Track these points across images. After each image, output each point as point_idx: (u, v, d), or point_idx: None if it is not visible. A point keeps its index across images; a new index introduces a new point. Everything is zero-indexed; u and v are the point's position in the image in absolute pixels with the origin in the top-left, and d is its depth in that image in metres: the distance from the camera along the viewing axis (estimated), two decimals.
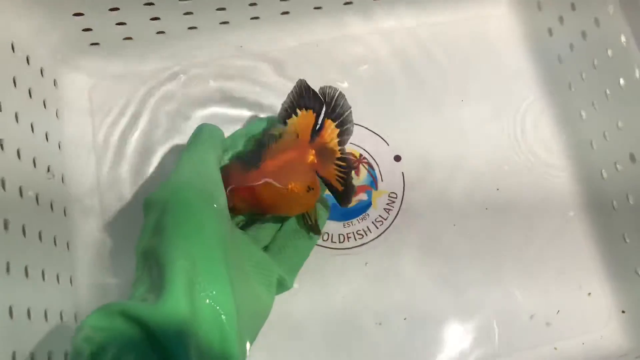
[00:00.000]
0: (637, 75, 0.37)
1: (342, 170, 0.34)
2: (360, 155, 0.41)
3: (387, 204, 0.40)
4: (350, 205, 0.39)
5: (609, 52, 0.38)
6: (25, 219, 0.31)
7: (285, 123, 0.35)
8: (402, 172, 0.41)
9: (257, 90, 0.42)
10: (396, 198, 0.40)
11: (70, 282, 0.36)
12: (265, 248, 0.35)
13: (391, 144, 0.42)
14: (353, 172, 0.40)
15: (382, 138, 0.42)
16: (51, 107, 0.39)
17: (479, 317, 0.38)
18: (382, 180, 0.41)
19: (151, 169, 0.40)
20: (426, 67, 0.44)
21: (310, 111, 0.35)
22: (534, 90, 0.44)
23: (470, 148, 0.42)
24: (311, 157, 0.34)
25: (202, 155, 0.32)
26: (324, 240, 0.39)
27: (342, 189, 0.34)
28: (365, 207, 0.40)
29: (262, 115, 0.41)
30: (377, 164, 0.41)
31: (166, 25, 0.41)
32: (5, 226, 0.29)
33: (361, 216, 0.39)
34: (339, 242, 0.39)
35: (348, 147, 0.41)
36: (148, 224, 0.30)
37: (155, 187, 0.31)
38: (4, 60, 0.33)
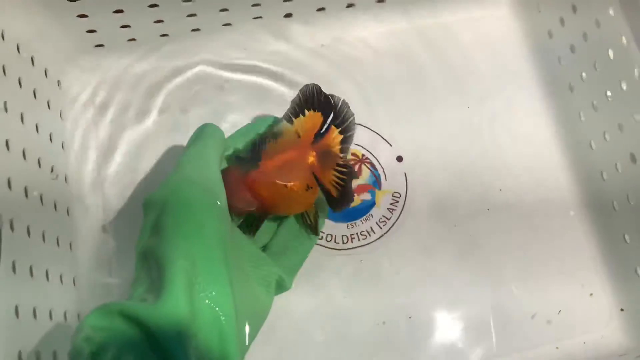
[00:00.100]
0: (637, 76, 0.37)
1: (340, 177, 0.35)
2: (363, 155, 0.41)
3: (391, 203, 0.40)
4: (353, 205, 0.39)
5: (610, 54, 0.39)
6: (30, 219, 0.32)
7: (290, 120, 0.35)
8: (405, 173, 0.41)
9: (259, 91, 0.42)
10: (399, 198, 0.40)
11: (74, 282, 0.36)
12: (264, 248, 0.35)
13: (394, 145, 0.42)
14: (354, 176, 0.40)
15: (384, 139, 0.42)
16: (55, 107, 0.39)
17: (480, 317, 0.38)
18: (385, 180, 0.41)
19: (154, 169, 0.40)
20: (428, 68, 0.45)
21: (319, 113, 0.35)
22: (535, 91, 0.45)
23: (472, 148, 0.42)
24: (311, 158, 0.34)
25: (203, 155, 0.32)
26: (327, 241, 0.39)
27: (336, 195, 0.35)
28: (369, 207, 0.40)
29: (262, 116, 0.41)
30: (380, 164, 0.41)
31: (170, 27, 0.41)
32: (11, 226, 0.29)
33: (365, 216, 0.40)
34: (343, 242, 0.39)
35: (352, 148, 0.41)
36: (148, 224, 0.30)
37: (157, 187, 0.31)
38: (10, 61, 0.33)
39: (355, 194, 0.40)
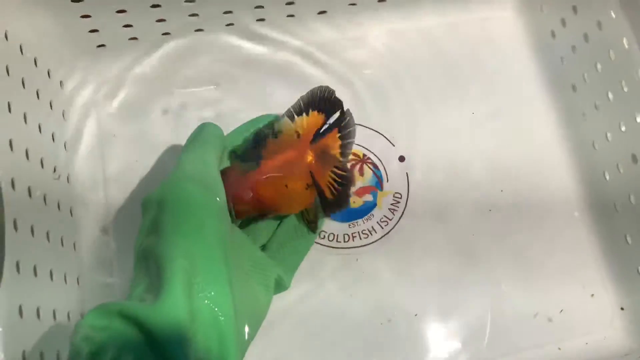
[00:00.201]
0: (639, 77, 0.37)
1: (336, 180, 0.35)
2: (365, 155, 0.41)
3: (392, 204, 0.40)
4: (355, 205, 0.39)
5: (611, 54, 0.39)
6: (34, 219, 0.32)
7: (292, 117, 0.35)
8: (407, 173, 0.41)
9: (261, 92, 0.43)
10: (401, 198, 0.40)
11: (77, 282, 0.36)
12: (263, 247, 0.35)
13: (396, 145, 0.42)
14: (358, 174, 0.41)
15: (386, 139, 0.42)
16: (57, 108, 0.39)
17: (482, 317, 0.38)
18: (387, 181, 0.41)
19: (157, 168, 0.40)
20: (431, 68, 0.45)
21: (322, 115, 0.35)
22: (537, 92, 0.45)
23: (475, 149, 0.42)
24: (310, 157, 0.34)
25: (202, 154, 0.32)
26: (329, 241, 0.39)
27: (329, 196, 0.35)
28: (370, 207, 0.40)
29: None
30: (382, 165, 0.41)
31: (172, 27, 0.41)
32: (15, 226, 0.29)
33: (366, 216, 0.40)
34: (344, 242, 0.39)
35: (354, 148, 0.41)
36: (147, 223, 0.30)
37: (156, 187, 0.31)
38: (13, 61, 0.33)
39: (357, 195, 0.40)
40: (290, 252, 0.35)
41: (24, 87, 0.34)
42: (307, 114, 0.35)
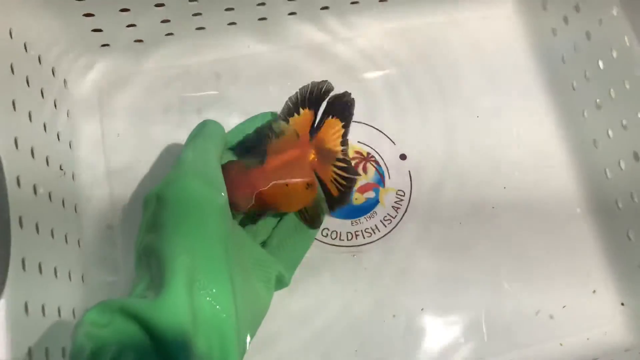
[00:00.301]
0: None
1: (340, 173, 0.35)
2: (368, 153, 0.42)
3: (395, 202, 0.40)
4: (357, 203, 0.40)
5: (613, 53, 0.39)
6: (39, 216, 0.32)
7: (286, 119, 0.36)
8: (409, 171, 0.41)
9: (263, 90, 0.43)
10: (403, 196, 0.41)
11: (82, 279, 0.36)
12: (263, 244, 0.35)
13: (398, 143, 0.42)
14: (361, 171, 0.41)
15: (388, 137, 0.42)
16: (62, 106, 0.39)
17: (485, 314, 0.38)
18: (389, 179, 0.41)
19: (160, 166, 0.40)
20: (431, 67, 0.45)
21: (312, 111, 0.35)
22: (539, 90, 0.45)
23: (476, 147, 0.43)
24: (312, 155, 0.35)
25: (204, 150, 0.32)
26: (332, 239, 0.39)
27: (337, 194, 0.35)
28: (373, 205, 0.40)
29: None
30: (385, 163, 0.41)
31: (175, 27, 0.41)
32: (21, 223, 0.29)
33: (369, 214, 0.40)
34: (347, 239, 0.39)
35: (357, 147, 0.41)
36: (147, 220, 0.30)
37: (158, 184, 0.31)
38: (18, 60, 0.33)
39: (358, 192, 0.40)
40: (291, 249, 0.35)
41: (28, 86, 0.34)
42: (298, 114, 0.35)
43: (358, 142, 0.42)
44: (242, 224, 0.34)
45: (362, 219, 0.40)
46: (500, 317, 0.38)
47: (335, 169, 0.35)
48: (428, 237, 0.40)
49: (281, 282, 0.34)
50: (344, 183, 0.35)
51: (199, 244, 0.28)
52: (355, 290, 0.38)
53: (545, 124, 0.44)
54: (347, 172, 0.36)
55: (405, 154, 0.42)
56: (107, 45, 0.41)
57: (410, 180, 0.41)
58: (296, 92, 0.36)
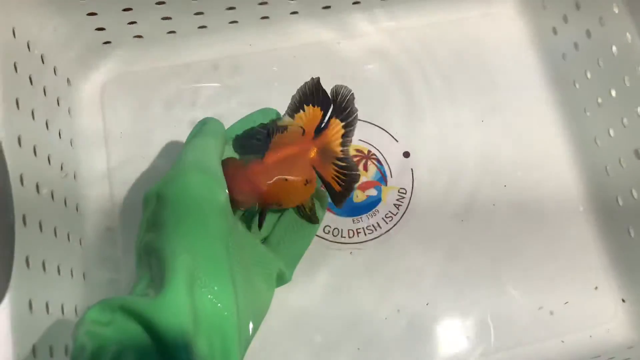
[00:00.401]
0: None
1: (341, 172, 0.35)
2: (369, 151, 0.42)
3: (397, 199, 0.40)
4: (359, 200, 0.40)
5: (614, 50, 0.39)
6: (42, 214, 0.32)
7: (292, 116, 0.36)
8: (411, 169, 0.41)
9: (264, 88, 0.43)
10: (405, 194, 0.41)
11: (84, 277, 0.36)
12: (264, 241, 0.35)
13: (400, 141, 0.42)
14: (362, 170, 0.41)
15: (391, 135, 0.42)
16: (64, 105, 0.39)
17: (487, 311, 0.38)
18: (391, 177, 0.41)
19: (162, 165, 0.40)
20: (433, 65, 0.45)
21: (318, 109, 0.35)
22: (540, 88, 0.45)
23: (477, 144, 0.43)
24: (313, 153, 0.35)
25: (204, 148, 0.32)
26: (334, 236, 0.39)
27: (339, 189, 0.35)
28: (374, 202, 0.40)
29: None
30: (387, 161, 0.42)
31: (177, 25, 0.41)
32: (24, 222, 0.30)
33: (371, 212, 0.40)
34: (349, 237, 0.39)
35: (358, 145, 0.41)
36: (148, 219, 0.29)
37: (157, 181, 0.31)
38: (21, 59, 0.33)
39: (360, 190, 0.41)
40: (292, 246, 0.35)
41: (31, 84, 0.34)
42: (304, 110, 0.35)
43: (360, 140, 0.42)
44: (247, 226, 0.34)
45: (363, 216, 0.40)
46: (502, 315, 0.38)
47: (335, 167, 0.35)
48: (430, 235, 0.40)
49: (282, 279, 0.34)
50: (345, 179, 0.35)
51: (199, 242, 0.27)
52: (356, 287, 0.38)
53: (547, 122, 0.44)
54: (348, 171, 0.35)
55: (408, 151, 0.42)
56: (110, 43, 0.41)
57: (412, 178, 0.41)
58: (298, 90, 0.36)
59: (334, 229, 0.39)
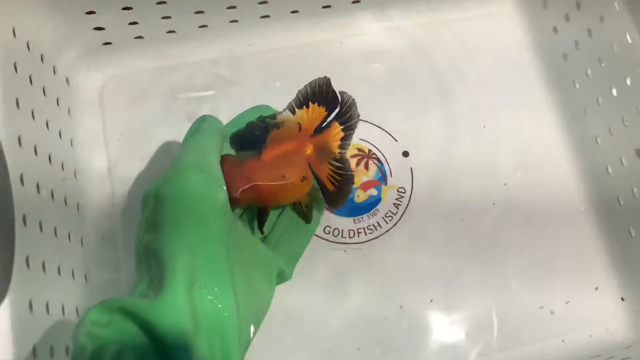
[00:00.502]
0: None
1: (336, 171, 0.35)
2: (369, 150, 0.42)
3: (397, 199, 0.40)
4: (359, 200, 0.40)
5: (615, 49, 0.39)
6: (42, 214, 0.32)
7: (294, 111, 0.35)
8: (411, 168, 0.41)
9: (264, 88, 0.43)
10: (404, 193, 0.41)
11: (85, 277, 0.36)
12: (263, 239, 0.35)
13: (399, 140, 0.42)
14: (363, 169, 0.41)
15: (390, 134, 0.42)
16: (64, 105, 0.39)
17: (487, 310, 0.38)
18: (391, 176, 0.41)
19: (163, 165, 0.40)
20: (432, 65, 0.45)
21: (323, 109, 0.35)
22: (540, 87, 0.45)
23: (478, 143, 0.43)
24: (309, 150, 0.35)
25: (202, 146, 0.32)
26: (334, 236, 0.39)
27: (332, 189, 0.35)
28: (375, 202, 0.40)
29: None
30: (386, 160, 0.42)
31: (177, 24, 0.41)
32: (24, 221, 0.30)
33: (371, 212, 0.40)
34: (349, 237, 0.39)
35: (359, 143, 0.41)
36: (147, 219, 0.29)
37: (156, 181, 0.30)
38: (21, 58, 0.33)
39: (361, 189, 0.41)
40: (291, 244, 0.35)
41: (31, 84, 0.34)
42: (308, 107, 0.35)
43: (360, 139, 0.42)
44: (247, 224, 0.34)
45: (364, 216, 0.40)
46: (502, 314, 0.38)
47: (331, 167, 0.35)
48: (429, 234, 0.40)
49: (283, 277, 0.34)
50: (340, 179, 0.35)
51: (199, 242, 0.27)
52: (357, 287, 0.38)
53: (547, 121, 0.44)
54: (343, 171, 0.35)
55: (408, 151, 0.42)
56: (109, 43, 0.41)
57: (412, 177, 0.41)
58: (306, 85, 0.36)
59: (335, 229, 0.39)
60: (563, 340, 0.38)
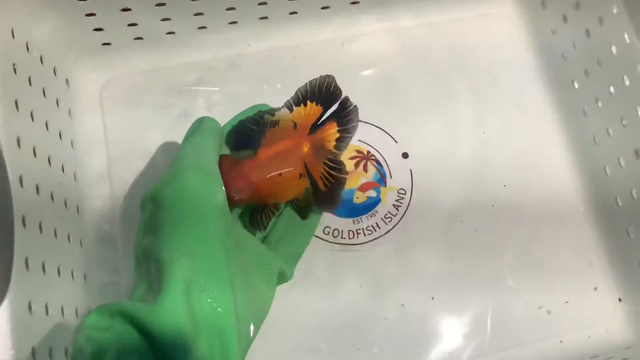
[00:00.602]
0: None
1: (330, 172, 0.35)
2: (368, 152, 0.42)
3: (396, 200, 0.41)
4: (358, 201, 0.40)
5: (613, 50, 0.39)
6: (42, 216, 0.32)
7: (291, 108, 0.35)
8: (410, 169, 0.41)
9: (263, 88, 0.43)
10: (405, 194, 0.41)
11: (84, 278, 0.36)
12: (263, 239, 0.35)
13: (399, 142, 0.42)
14: (362, 170, 0.41)
15: (390, 135, 0.42)
16: (64, 106, 0.39)
17: (485, 311, 0.38)
18: (390, 177, 0.41)
19: (162, 166, 0.40)
20: (431, 66, 0.45)
21: (320, 107, 0.35)
22: (539, 87, 0.45)
23: (477, 144, 0.43)
24: (305, 148, 0.35)
25: (200, 148, 0.32)
26: (334, 237, 0.39)
27: (324, 189, 0.35)
28: (374, 203, 0.40)
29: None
30: (386, 161, 0.42)
31: (176, 26, 0.41)
32: (24, 223, 0.30)
33: (370, 213, 0.40)
34: (349, 238, 0.39)
35: (357, 145, 0.41)
36: (146, 222, 0.29)
37: (155, 183, 0.31)
38: (20, 59, 0.33)
39: (360, 191, 0.41)
40: (291, 244, 0.35)
41: (30, 85, 0.34)
42: (305, 105, 0.35)
43: (359, 140, 0.42)
44: (250, 229, 0.34)
45: (363, 217, 0.40)
46: (500, 315, 0.38)
47: (325, 167, 0.35)
48: (429, 235, 0.40)
49: (283, 277, 0.34)
50: (332, 180, 0.35)
51: (197, 245, 0.27)
52: (357, 288, 0.38)
53: (546, 122, 0.44)
54: (337, 172, 0.35)
55: (407, 152, 0.42)
56: (109, 44, 0.41)
57: (412, 178, 0.41)
58: (307, 83, 0.36)
59: (334, 230, 0.39)
60: (561, 341, 0.38)
